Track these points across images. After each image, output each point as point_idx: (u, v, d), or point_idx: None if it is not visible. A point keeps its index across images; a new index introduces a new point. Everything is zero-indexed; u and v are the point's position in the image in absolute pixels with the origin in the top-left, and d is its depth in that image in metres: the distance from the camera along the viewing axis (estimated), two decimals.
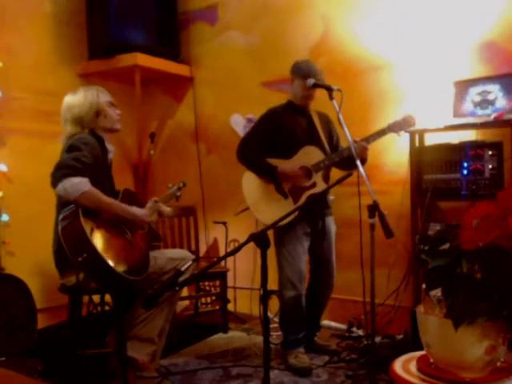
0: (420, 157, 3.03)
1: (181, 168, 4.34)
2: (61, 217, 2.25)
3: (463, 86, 3.04)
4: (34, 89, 3.66)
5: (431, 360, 1.93)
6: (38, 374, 2.63)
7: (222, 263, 3.72)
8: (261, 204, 2.89)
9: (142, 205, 2.62)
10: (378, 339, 2.98)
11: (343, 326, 3.42)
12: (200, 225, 4.00)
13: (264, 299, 1.79)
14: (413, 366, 1.95)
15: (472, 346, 1.77)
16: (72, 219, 2.21)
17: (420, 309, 1.96)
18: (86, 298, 3.20)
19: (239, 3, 4.06)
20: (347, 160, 2.79)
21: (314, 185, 2.87)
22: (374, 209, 2.17)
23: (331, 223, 3.04)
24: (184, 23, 4.30)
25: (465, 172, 2.85)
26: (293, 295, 2.88)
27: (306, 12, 3.73)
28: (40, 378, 2.57)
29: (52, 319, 3.46)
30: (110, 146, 2.59)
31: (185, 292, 3.93)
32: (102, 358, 2.58)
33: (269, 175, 2.88)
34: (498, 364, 1.88)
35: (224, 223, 3.93)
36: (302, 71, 2.90)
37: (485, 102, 2.97)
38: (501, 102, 2.92)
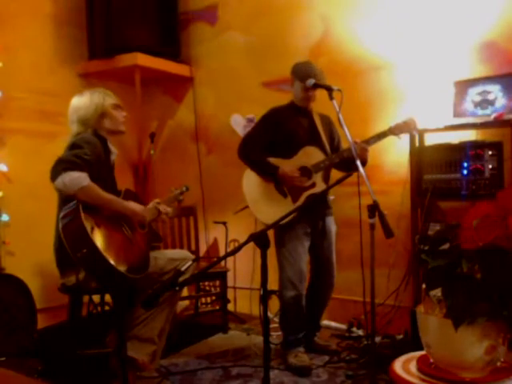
0: (420, 157, 3.03)
1: (181, 168, 4.34)
2: (61, 214, 2.25)
3: (463, 86, 3.04)
4: (34, 89, 3.66)
5: (431, 360, 1.94)
6: (38, 374, 2.63)
7: (222, 263, 3.72)
8: (260, 203, 2.90)
9: (143, 205, 2.62)
10: (378, 339, 2.98)
11: (343, 326, 3.42)
12: (200, 225, 4.00)
13: (264, 299, 1.79)
14: (413, 366, 1.95)
15: (472, 346, 1.77)
16: (73, 217, 2.21)
17: (420, 309, 1.96)
18: (86, 298, 3.20)
19: (239, 3, 4.06)
20: (347, 161, 2.79)
21: (313, 185, 2.87)
22: (374, 209, 2.17)
23: (331, 223, 3.04)
24: (184, 23, 4.30)
25: (465, 172, 2.85)
26: (293, 295, 2.88)
27: (306, 12, 3.73)
28: (40, 378, 2.57)
29: (52, 319, 3.46)
30: (112, 148, 2.62)
31: (185, 292, 3.94)
32: (102, 358, 2.58)
33: (270, 174, 2.89)
34: (498, 364, 1.88)
35: (224, 223, 3.93)
36: (300, 73, 2.90)
37: (485, 102, 2.96)
38: (501, 102, 2.92)
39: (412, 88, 3.28)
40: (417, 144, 3.09)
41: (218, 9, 4.18)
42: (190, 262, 2.07)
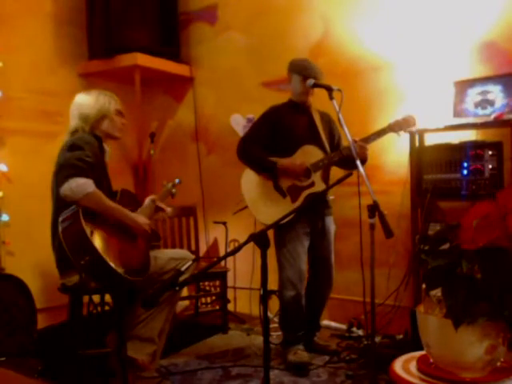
0: (420, 157, 3.03)
1: (181, 168, 4.34)
2: (61, 218, 2.25)
3: (463, 86, 3.04)
4: (34, 89, 3.66)
5: (431, 360, 1.93)
6: (38, 374, 2.63)
7: (222, 263, 3.72)
8: (259, 203, 2.90)
9: (140, 205, 2.63)
10: (377, 339, 2.98)
11: (343, 326, 3.42)
12: (200, 225, 4.00)
13: (264, 299, 1.79)
14: (413, 366, 1.95)
15: (472, 346, 1.77)
16: (72, 221, 2.21)
17: (420, 309, 1.96)
18: (86, 298, 3.20)
19: (239, 3, 4.06)
20: (347, 159, 2.79)
21: (312, 184, 2.87)
22: (374, 209, 2.17)
23: (331, 223, 3.04)
24: (184, 23, 4.31)
25: (465, 172, 2.85)
26: (293, 295, 2.88)
27: (306, 12, 3.73)
28: (40, 378, 2.57)
29: (52, 319, 3.46)
30: (106, 147, 2.63)
31: (185, 292, 3.94)
32: (102, 358, 2.58)
33: (269, 171, 2.88)
34: (498, 364, 1.88)
35: (224, 223, 3.92)
36: (298, 67, 2.92)
37: (485, 102, 2.96)
38: (501, 102, 2.92)
39: (412, 88, 3.28)
40: (417, 144, 3.08)
41: (218, 9, 4.18)
42: (189, 262, 2.07)
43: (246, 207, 2.94)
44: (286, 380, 2.72)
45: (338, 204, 3.27)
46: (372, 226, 2.19)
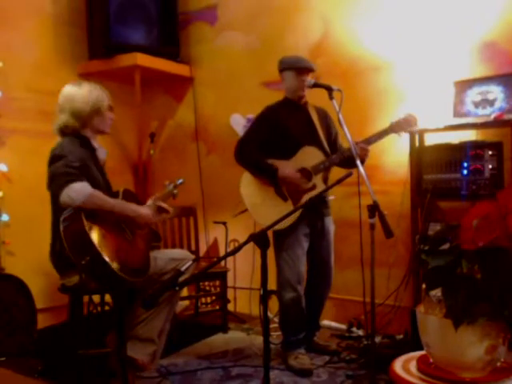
0: (420, 157, 3.02)
1: (181, 168, 4.34)
2: (62, 218, 2.24)
3: (463, 86, 3.04)
4: (34, 89, 3.66)
5: (431, 360, 1.94)
6: (38, 374, 2.63)
7: (222, 263, 3.72)
8: (260, 207, 2.87)
9: (142, 205, 2.61)
10: (377, 339, 2.98)
11: (343, 326, 3.42)
12: (200, 225, 4.00)
13: (264, 299, 1.79)
14: (413, 366, 1.95)
15: (472, 346, 1.77)
16: (73, 220, 2.21)
17: (420, 309, 1.96)
18: (86, 298, 3.20)
19: (239, 3, 4.06)
20: (347, 159, 2.79)
21: (313, 187, 2.85)
22: (374, 209, 2.17)
23: (330, 223, 3.04)
24: (184, 23, 4.30)
25: (465, 172, 2.85)
26: (292, 297, 2.87)
27: (306, 12, 3.73)
28: (40, 378, 2.57)
29: (52, 319, 3.46)
30: (97, 145, 2.55)
31: (185, 292, 3.94)
32: (102, 358, 2.58)
33: (269, 176, 2.85)
34: (498, 364, 1.88)
35: (224, 223, 3.92)
36: (289, 62, 2.91)
37: (485, 102, 2.96)
38: (501, 102, 2.92)
39: (412, 88, 3.28)
40: (417, 144, 3.08)
41: (218, 9, 4.18)
42: (189, 262, 2.06)
43: (245, 210, 2.92)
44: (286, 380, 2.72)
45: (338, 204, 3.26)
46: (372, 226, 2.19)
